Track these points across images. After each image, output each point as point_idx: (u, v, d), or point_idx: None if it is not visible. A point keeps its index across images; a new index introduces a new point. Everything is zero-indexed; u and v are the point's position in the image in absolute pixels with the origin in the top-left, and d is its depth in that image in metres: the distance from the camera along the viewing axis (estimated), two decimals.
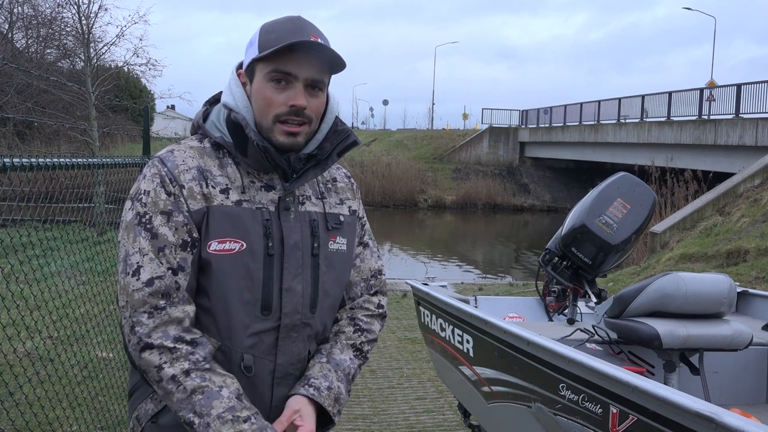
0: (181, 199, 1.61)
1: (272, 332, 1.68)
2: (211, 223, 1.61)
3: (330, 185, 1.86)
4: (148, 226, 1.59)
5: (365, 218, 1.96)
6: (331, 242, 1.77)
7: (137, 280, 1.56)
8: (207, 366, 1.57)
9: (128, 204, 1.65)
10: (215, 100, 1.81)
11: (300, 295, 1.70)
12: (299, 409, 1.67)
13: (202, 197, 1.62)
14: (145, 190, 1.62)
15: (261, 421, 1.57)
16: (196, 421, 1.53)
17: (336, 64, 1.68)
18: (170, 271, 1.58)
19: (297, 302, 1.70)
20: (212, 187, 1.64)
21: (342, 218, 1.82)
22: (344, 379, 1.78)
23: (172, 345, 1.55)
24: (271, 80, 1.64)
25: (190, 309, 1.61)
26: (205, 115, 1.77)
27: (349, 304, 1.90)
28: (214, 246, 1.61)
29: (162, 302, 1.56)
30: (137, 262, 1.57)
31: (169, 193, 1.61)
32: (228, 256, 1.61)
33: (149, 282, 1.56)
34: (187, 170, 1.64)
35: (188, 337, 1.58)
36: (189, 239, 1.60)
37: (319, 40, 1.63)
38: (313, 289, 1.73)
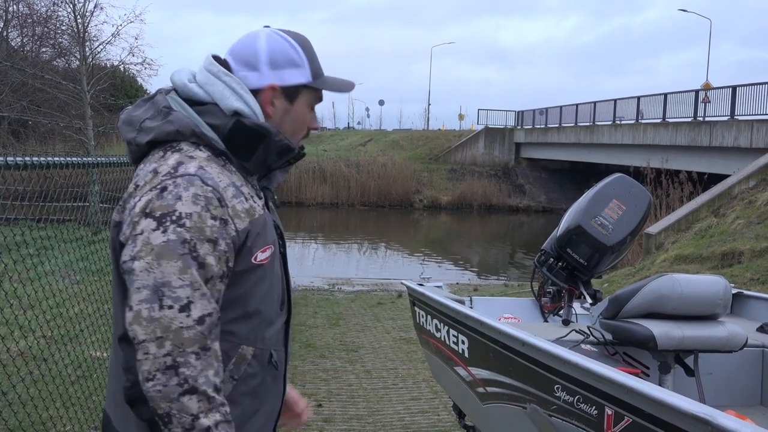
0: (230, 221, 1.53)
1: (284, 324, 1.76)
2: (254, 235, 1.59)
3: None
4: (194, 254, 1.45)
5: None
6: None
7: (187, 316, 1.43)
8: (230, 418, 1.50)
9: (152, 224, 1.46)
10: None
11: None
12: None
13: (245, 213, 1.57)
14: (186, 213, 1.46)
15: None
16: None
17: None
18: (215, 303, 1.50)
19: (291, 291, 1.82)
20: (245, 199, 1.60)
21: None
22: None
23: (213, 394, 1.45)
24: (310, 106, 1.74)
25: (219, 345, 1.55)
26: None
27: None
28: (260, 257, 1.61)
29: (209, 342, 1.46)
30: (187, 297, 1.43)
31: (215, 218, 1.49)
32: (268, 263, 1.64)
33: (200, 320, 1.45)
34: (226, 187, 1.55)
35: (220, 384, 1.49)
36: (226, 269, 1.53)
37: None
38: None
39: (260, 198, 1.70)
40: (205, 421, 1.42)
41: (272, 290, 1.67)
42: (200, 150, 1.59)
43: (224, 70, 1.66)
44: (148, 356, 1.41)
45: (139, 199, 1.50)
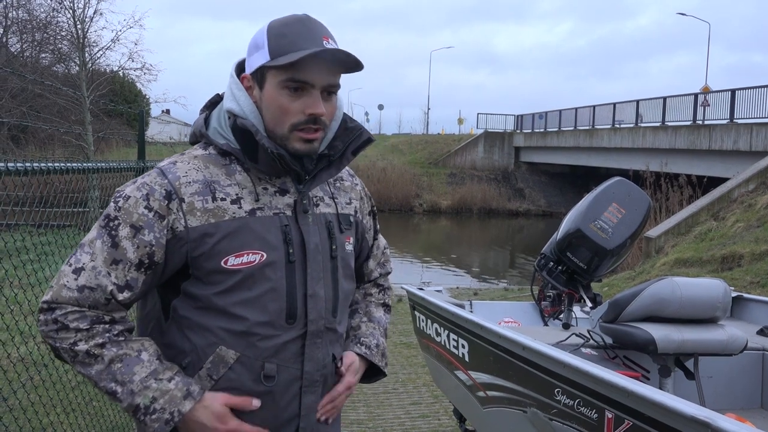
0: (173, 216, 1.54)
1: (298, 340, 1.64)
2: (224, 237, 1.55)
3: (338, 184, 1.82)
4: (112, 232, 1.53)
5: (375, 207, 1.98)
6: (346, 243, 1.76)
7: (74, 279, 1.51)
8: (122, 338, 1.54)
9: (111, 198, 1.60)
10: (212, 104, 1.73)
11: (323, 300, 1.67)
12: (351, 363, 1.81)
13: (203, 213, 1.55)
14: (126, 195, 1.56)
15: (185, 378, 1.56)
16: (119, 390, 1.50)
17: (353, 65, 1.60)
18: (115, 287, 1.52)
19: (321, 308, 1.66)
20: (221, 199, 1.57)
21: (351, 219, 1.80)
22: (384, 334, 1.94)
23: (88, 326, 1.51)
24: (286, 88, 1.56)
25: (117, 315, 1.57)
26: (206, 121, 1.70)
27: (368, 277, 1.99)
28: (231, 261, 1.55)
29: (86, 311, 1.53)
30: (83, 263, 1.52)
31: (149, 209, 1.54)
32: (248, 269, 1.56)
33: (81, 288, 1.51)
34: (189, 183, 1.56)
35: (107, 317, 1.54)
36: (147, 261, 1.54)
37: (331, 42, 1.57)
38: (333, 292, 1.70)
39: (284, 197, 1.64)
40: (84, 346, 1.50)
41: (266, 300, 1.58)
42: (203, 149, 1.66)
43: (232, 71, 1.68)
44: (46, 296, 1.53)
45: None
